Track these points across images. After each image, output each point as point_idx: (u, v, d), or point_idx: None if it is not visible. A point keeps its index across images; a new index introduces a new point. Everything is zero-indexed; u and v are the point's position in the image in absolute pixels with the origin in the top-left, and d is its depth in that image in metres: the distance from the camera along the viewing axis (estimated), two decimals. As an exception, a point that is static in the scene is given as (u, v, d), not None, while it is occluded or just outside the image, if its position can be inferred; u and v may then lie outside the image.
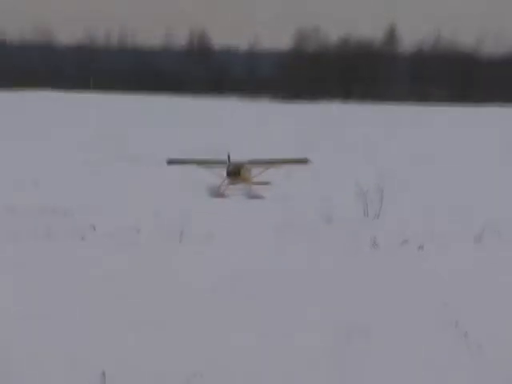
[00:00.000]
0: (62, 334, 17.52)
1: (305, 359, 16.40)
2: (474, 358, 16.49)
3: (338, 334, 17.56)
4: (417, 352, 16.77)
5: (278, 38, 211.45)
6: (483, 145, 68.36)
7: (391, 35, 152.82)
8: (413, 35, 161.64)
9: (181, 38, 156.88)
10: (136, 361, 16.30)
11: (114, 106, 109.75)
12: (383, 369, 15.82)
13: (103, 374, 15.25)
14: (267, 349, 16.80)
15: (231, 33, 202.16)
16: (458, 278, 22.93)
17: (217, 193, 37.76)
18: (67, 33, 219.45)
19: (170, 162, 39.60)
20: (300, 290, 21.45)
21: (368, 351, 16.78)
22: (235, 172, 37.95)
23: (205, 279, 21.93)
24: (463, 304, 20.07)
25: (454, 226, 30.71)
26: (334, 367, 15.93)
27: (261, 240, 27.45)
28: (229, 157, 38.33)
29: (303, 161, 39.41)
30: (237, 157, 38.82)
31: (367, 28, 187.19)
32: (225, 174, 38.07)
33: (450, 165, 52.86)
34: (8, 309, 19.16)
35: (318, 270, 23.46)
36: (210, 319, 18.71)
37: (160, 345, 16.99)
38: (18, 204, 32.46)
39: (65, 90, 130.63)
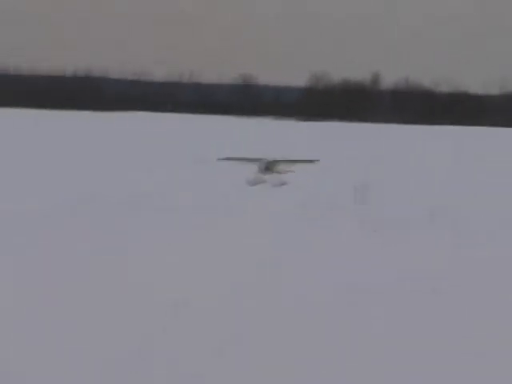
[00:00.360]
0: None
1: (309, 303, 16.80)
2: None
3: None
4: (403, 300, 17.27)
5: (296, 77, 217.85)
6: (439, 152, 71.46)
7: (375, 78, 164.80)
8: (390, 79, 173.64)
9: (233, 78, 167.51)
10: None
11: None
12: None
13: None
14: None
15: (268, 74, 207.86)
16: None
17: (253, 181, 39.28)
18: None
19: (221, 159, 42.44)
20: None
21: (366, 301, 16.83)
22: (266, 168, 40.15)
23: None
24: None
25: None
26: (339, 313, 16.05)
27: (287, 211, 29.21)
28: (262, 158, 40.59)
29: (313, 161, 42.39)
30: (267, 157, 40.81)
31: (361, 72, 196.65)
32: (263, 167, 40.14)
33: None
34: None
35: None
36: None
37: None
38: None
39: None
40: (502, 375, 12.89)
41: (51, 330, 14.21)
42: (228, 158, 42.34)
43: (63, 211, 27.98)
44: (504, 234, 26.74)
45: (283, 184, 39.32)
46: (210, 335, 14.24)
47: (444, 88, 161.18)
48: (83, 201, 30.31)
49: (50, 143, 66.10)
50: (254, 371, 12.60)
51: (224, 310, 15.83)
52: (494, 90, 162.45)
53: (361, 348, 13.86)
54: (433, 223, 28.20)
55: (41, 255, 20.44)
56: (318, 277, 19.23)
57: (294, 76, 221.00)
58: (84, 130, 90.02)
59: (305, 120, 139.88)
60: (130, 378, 12.18)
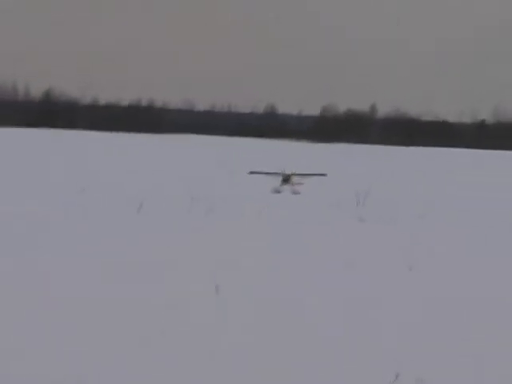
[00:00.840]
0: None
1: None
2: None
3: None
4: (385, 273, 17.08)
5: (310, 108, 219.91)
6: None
7: (373, 108, 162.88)
8: (384, 109, 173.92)
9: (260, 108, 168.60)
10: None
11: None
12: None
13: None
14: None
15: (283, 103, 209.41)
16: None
17: (276, 190, 39.77)
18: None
19: (252, 172, 42.54)
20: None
21: (356, 273, 16.97)
22: (286, 179, 40.56)
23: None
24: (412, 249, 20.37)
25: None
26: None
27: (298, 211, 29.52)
28: (283, 171, 40.94)
29: (324, 174, 43.00)
30: (287, 171, 40.92)
31: (361, 103, 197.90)
32: (281, 180, 40.77)
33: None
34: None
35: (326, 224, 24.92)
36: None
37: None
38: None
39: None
40: (477, 353, 11.45)
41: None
42: (256, 172, 42.43)
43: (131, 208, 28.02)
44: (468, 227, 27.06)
45: (298, 192, 39.48)
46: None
47: (426, 117, 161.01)
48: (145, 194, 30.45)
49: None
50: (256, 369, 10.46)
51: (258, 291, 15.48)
52: (466, 119, 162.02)
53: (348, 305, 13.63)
54: (417, 219, 28.75)
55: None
56: (326, 249, 20.57)
57: (308, 106, 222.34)
58: (149, 148, 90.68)
59: (316, 142, 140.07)
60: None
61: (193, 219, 26.15)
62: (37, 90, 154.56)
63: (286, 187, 40.06)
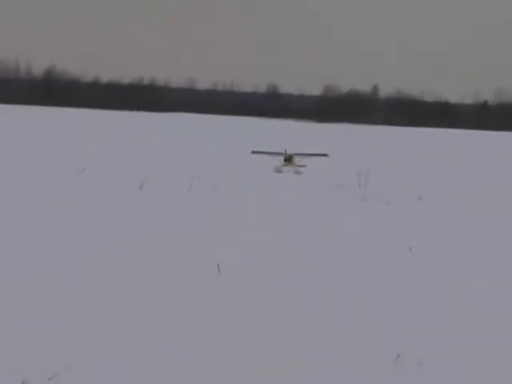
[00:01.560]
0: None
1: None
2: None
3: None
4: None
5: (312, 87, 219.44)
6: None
7: (375, 89, 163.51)
8: (386, 90, 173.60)
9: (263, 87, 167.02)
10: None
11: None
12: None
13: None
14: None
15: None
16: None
17: (278, 169, 39.38)
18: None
19: (254, 152, 42.08)
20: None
21: (355, 253, 16.87)
22: (288, 159, 40.10)
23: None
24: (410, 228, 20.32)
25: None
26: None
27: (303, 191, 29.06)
28: (285, 151, 40.48)
29: (325, 154, 42.03)
30: (289, 151, 40.77)
31: (363, 84, 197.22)
32: (283, 159, 40.11)
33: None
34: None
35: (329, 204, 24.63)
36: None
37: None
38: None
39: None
40: (476, 336, 11.41)
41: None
42: (259, 151, 42.14)
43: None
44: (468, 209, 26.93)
45: (301, 172, 39.18)
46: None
47: (428, 98, 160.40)
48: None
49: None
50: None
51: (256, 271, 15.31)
52: (468, 100, 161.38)
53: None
54: (415, 200, 28.66)
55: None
56: (330, 230, 20.45)
57: (311, 86, 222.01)
58: (148, 126, 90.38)
59: (319, 122, 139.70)
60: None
61: (194, 199, 25.93)
62: (39, 68, 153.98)
63: (289, 167, 39.82)
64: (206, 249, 16.80)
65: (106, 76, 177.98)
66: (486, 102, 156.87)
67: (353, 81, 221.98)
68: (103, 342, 10.18)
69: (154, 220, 20.77)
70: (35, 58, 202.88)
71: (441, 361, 10.20)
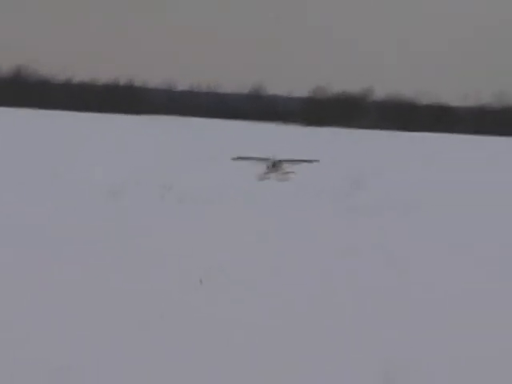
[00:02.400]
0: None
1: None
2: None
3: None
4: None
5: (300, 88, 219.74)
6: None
7: (367, 91, 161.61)
8: (382, 91, 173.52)
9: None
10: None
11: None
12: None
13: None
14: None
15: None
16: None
17: (263, 177, 39.37)
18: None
19: (236, 158, 41.41)
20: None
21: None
22: (274, 165, 40.03)
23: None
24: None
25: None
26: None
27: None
28: (271, 157, 40.29)
29: (315, 161, 41.72)
30: (276, 157, 40.43)
31: (354, 86, 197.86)
32: (270, 165, 39.97)
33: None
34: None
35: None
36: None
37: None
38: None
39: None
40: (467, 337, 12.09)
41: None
42: (242, 158, 41.76)
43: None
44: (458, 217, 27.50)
45: (287, 180, 39.16)
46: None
47: (424, 100, 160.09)
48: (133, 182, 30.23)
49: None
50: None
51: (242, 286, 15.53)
52: (468, 102, 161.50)
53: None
54: (409, 209, 28.95)
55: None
56: (318, 235, 21.51)
57: (297, 87, 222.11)
58: (124, 132, 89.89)
59: (306, 126, 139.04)
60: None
61: (166, 211, 25.68)
62: (7, 67, 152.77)
63: (274, 174, 39.84)
64: (186, 265, 16.92)
65: (79, 76, 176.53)
66: (486, 106, 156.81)
67: (347, 82, 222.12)
68: (99, 341, 10.83)
69: (125, 233, 20.82)
70: (3, 55, 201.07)
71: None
